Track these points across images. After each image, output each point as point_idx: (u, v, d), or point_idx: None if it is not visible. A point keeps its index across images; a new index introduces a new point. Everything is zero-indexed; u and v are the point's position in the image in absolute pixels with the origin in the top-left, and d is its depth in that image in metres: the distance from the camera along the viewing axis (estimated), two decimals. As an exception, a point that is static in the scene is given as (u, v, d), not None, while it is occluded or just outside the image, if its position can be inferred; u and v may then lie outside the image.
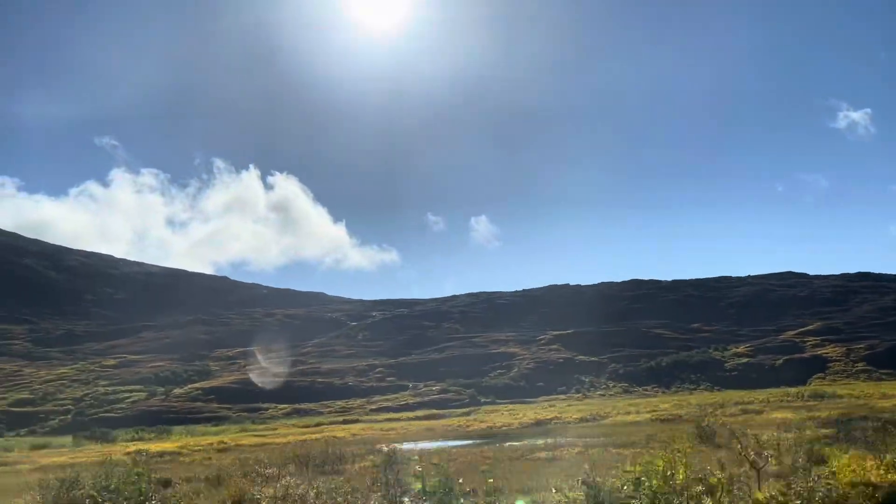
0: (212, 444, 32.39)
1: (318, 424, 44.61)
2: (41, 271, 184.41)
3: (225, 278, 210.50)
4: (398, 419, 46.23)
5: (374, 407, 60.64)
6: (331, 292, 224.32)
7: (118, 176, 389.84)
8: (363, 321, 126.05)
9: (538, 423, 36.76)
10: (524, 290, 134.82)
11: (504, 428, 35.16)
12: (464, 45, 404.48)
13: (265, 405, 62.49)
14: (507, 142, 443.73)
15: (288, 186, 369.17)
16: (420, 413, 50.80)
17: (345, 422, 45.49)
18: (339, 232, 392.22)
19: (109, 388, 66.93)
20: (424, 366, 73.39)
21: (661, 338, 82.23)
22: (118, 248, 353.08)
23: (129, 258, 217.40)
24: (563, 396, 63.22)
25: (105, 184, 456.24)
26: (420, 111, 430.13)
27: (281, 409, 61.00)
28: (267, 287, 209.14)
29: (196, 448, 30.63)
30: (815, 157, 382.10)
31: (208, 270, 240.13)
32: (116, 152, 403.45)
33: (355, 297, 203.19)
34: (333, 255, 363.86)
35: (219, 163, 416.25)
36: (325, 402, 63.13)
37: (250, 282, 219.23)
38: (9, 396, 66.69)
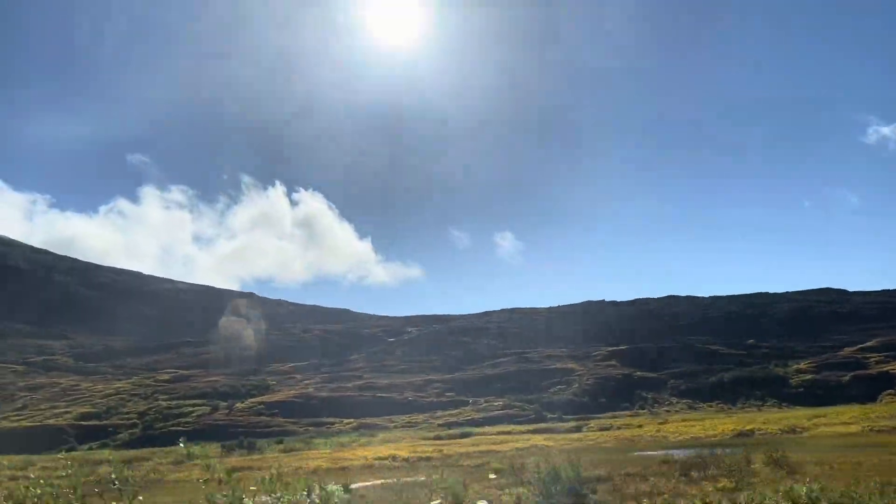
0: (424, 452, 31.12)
1: (436, 438, 44.06)
2: (73, 287, 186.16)
3: (252, 294, 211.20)
4: (509, 432, 45.28)
5: (440, 422, 60.25)
6: (355, 308, 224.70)
7: (147, 192, 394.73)
8: (400, 337, 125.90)
9: (740, 434, 35.13)
10: (560, 307, 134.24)
11: (710, 438, 33.55)
12: (486, 58, 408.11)
13: (329, 419, 62.22)
14: (532, 157, 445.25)
15: (313, 203, 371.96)
16: (528, 427, 50.22)
17: (462, 436, 44.81)
18: (364, 248, 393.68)
19: (172, 403, 66.98)
20: (480, 381, 72.96)
21: (716, 354, 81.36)
22: (146, 264, 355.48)
23: (156, 274, 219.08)
24: (627, 413, 62.55)
25: (134, 200, 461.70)
26: (444, 127, 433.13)
27: (347, 424, 60.69)
28: (293, 303, 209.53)
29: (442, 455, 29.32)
30: (844, 173, 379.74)
31: (234, 286, 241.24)
32: (147, 169, 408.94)
33: (380, 313, 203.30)
34: (357, 271, 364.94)
35: (246, 179, 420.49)
36: (389, 417, 62.77)
37: (275, 298, 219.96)
38: (73, 410, 66.93)
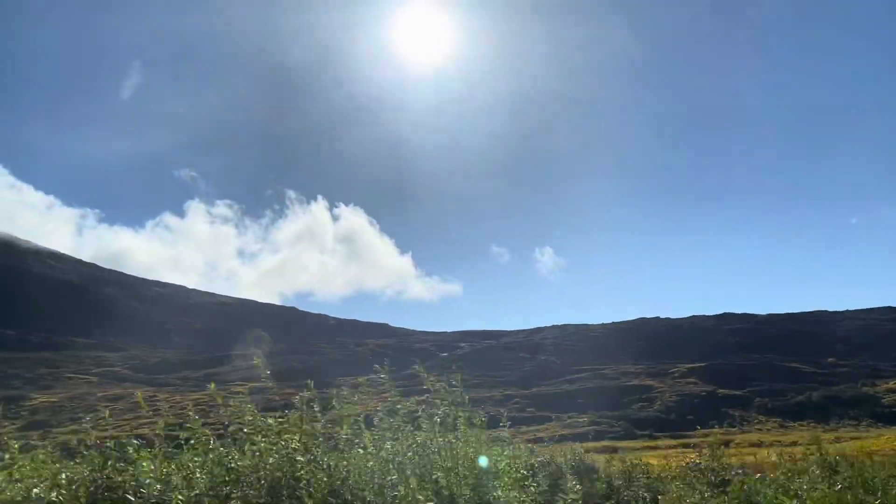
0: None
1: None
2: (122, 301, 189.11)
3: (293, 308, 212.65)
4: (615, 448, 44.80)
5: (528, 437, 59.54)
6: (393, 323, 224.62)
7: (193, 207, 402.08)
8: (452, 352, 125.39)
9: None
10: (614, 323, 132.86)
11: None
12: (521, 72, 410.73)
13: (416, 433, 61.95)
14: (572, 172, 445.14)
15: (354, 218, 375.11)
16: (637, 443, 49.48)
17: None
18: (404, 263, 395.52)
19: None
20: (559, 397, 72.11)
21: (798, 372, 79.54)
22: (189, 278, 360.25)
23: (199, 288, 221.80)
24: (719, 430, 61.22)
25: (181, 215, 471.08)
26: (483, 140, 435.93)
27: (434, 438, 60.36)
28: (334, 318, 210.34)
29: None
30: (892, 190, 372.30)
31: (275, 301, 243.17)
32: (195, 184, 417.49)
33: (417, 327, 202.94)
34: (395, 286, 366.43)
35: (290, 194, 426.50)
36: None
37: (316, 312, 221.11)
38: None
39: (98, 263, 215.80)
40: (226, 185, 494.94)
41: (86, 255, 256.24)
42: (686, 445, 47.51)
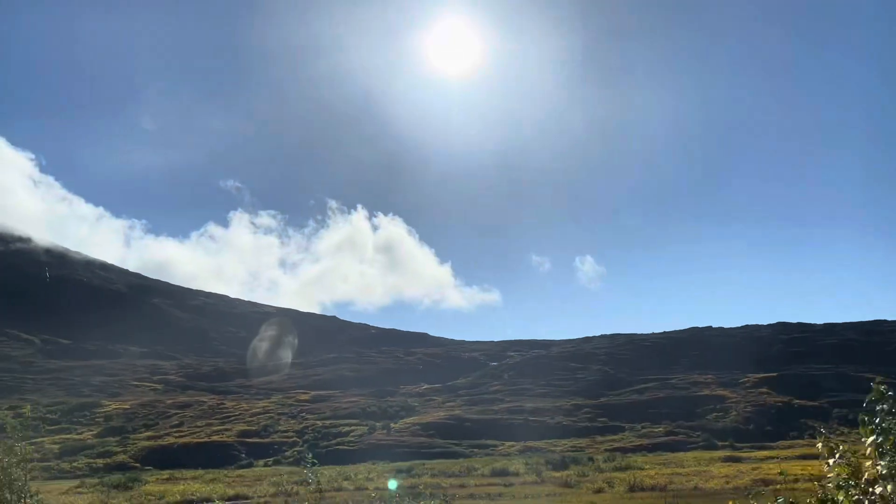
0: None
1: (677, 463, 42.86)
2: (168, 310, 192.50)
3: (335, 318, 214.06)
4: (774, 457, 43.47)
5: (607, 447, 58.87)
6: (432, 332, 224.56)
7: (237, 217, 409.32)
8: (502, 361, 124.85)
9: None
10: (665, 333, 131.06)
11: None
12: (556, 81, 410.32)
13: (492, 442, 61.56)
14: (612, 180, 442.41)
15: (393, 227, 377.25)
16: (722, 454, 48.63)
17: (726, 460, 43.49)
18: (444, 273, 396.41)
19: (326, 422, 67.64)
20: (629, 407, 71.24)
21: (872, 382, 77.29)
22: (232, 287, 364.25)
23: (241, 298, 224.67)
24: (802, 442, 59.80)
25: (225, 225, 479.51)
26: (522, 149, 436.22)
27: (510, 446, 59.94)
28: (376, 327, 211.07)
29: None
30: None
31: (315, 310, 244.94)
32: (240, 195, 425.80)
33: (457, 337, 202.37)
34: (432, 295, 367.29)
35: (332, 203, 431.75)
36: (551, 441, 61.77)
37: (356, 321, 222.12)
38: (231, 428, 68.29)
39: (143, 273, 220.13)
40: (270, 196, 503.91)
41: (132, 265, 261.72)
42: (773, 458, 46.47)
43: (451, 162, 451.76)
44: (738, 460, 43.84)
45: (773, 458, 42.96)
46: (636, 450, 57.88)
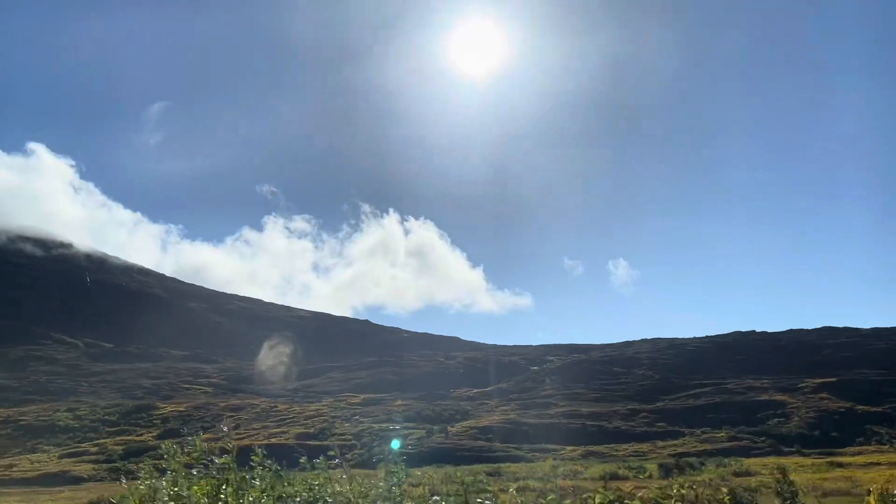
0: None
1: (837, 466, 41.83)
2: (205, 314, 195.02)
3: (367, 322, 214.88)
4: (874, 463, 42.46)
5: (670, 451, 58.12)
6: (464, 336, 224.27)
7: (271, 222, 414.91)
8: (543, 366, 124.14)
9: None
10: (709, 337, 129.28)
11: None
12: (585, 82, 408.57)
13: (552, 446, 61.15)
14: (645, 183, 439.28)
15: (424, 231, 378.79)
16: (815, 461, 47.77)
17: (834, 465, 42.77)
18: (476, 277, 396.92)
19: (383, 425, 67.84)
20: (687, 412, 70.34)
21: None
22: (265, 291, 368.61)
23: (275, 302, 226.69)
24: (872, 447, 58.47)
25: (260, 229, 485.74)
26: (554, 152, 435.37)
27: (572, 451, 59.49)
28: (408, 331, 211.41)
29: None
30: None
31: (347, 314, 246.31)
32: (276, 199, 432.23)
33: (487, 341, 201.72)
34: (463, 299, 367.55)
35: (365, 208, 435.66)
36: (612, 445, 61.19)
37: (388, 325, 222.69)
38: (288, 430, 68.81)
39: (179, 278, 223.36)
40: (304, 200, 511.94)
41: (167, 269, 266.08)
42: (874, 464, 45.38)
43: (483, 165, 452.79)
44: (840, 465, 42.86)
45: (873, 463, 41.94)
46: (700, 455, 57.04)
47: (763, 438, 61.55)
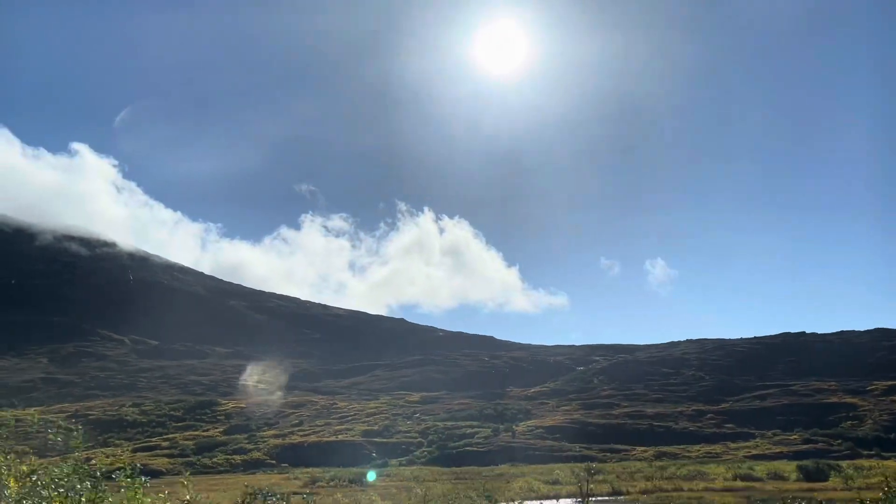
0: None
1: None
2: (245, 312, 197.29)
3: (402, 320, 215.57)
4: None
5: (744, 454, 57.41)
6: (498, 336, 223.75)
7: (308, 220, 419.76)
8: (588, 366, 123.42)
9: None
10: (757, 338, 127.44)
11: None
12: (621, 78, 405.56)
13: (621, 446, 60.79)
14: (682, 180, 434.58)
15: (458, 230, 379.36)
16: None
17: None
18: (511, 276, 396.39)
19: (448, 423, 68.02)
20: (754, 413, 69.42)
21: None
22: (301, 290, 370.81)
23: (312, 300, 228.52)
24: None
25: (297, 228, 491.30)
26: (590, 150, 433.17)
27: (644, 451, 59.08)
28: (443, 329, 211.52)
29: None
30: None
31: (382, 312, 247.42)
32: (315, 198, 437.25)
33: (522, 341, 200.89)
34: (497, 298, 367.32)
35: (402, 206, 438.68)
36: (682, 446, 60.62)
37: (424, 324, 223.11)
38: (353, 427, 69.31)
39: (218, 276, 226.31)
40: (342, 199, 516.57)
41: (206, 267, 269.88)
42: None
43: (517, 165, 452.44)
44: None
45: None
46: (777, 457, 56.22)
47: (839, 441, 60.47)
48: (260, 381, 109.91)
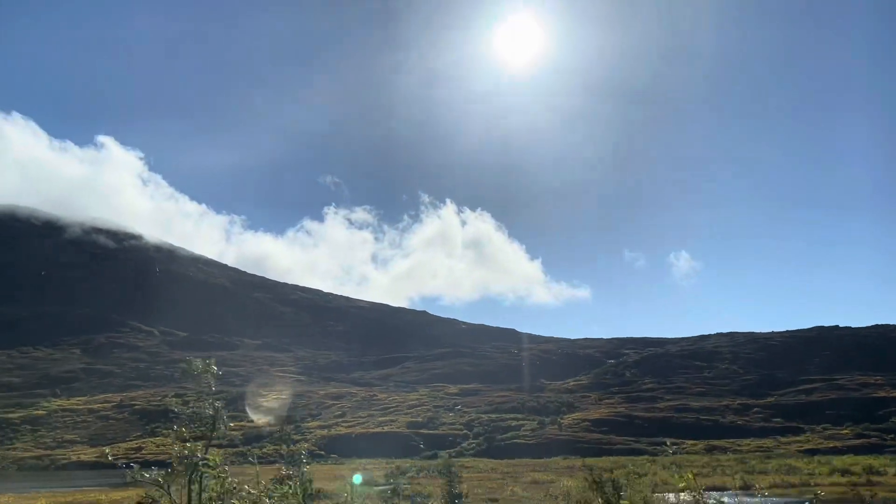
0: None
1: None
2: (269, 304, 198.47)
3: (425, 313, 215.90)
4: None
5: (797, 448, 56.99)
6: (519, 328, 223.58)
7: (332, 213, 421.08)
8: (619, 359, 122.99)
9: None
10: (790, 332, 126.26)
11: None
12: (641, 73, 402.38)
13: (671, 439, 60.61)
14: (709, 173, 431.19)
15: (480, 223, 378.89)
16: None
17: None
18: (533, 269, 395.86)
19: (492, 416, 68.13)
20: (801, 407, 68.84)
21: None
22: (324, 283, 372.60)
23: (334, 292, 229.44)
24: None
25: (321, 220, 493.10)
26: (614, 143, 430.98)
27: (693, 445, 58.84)
28: (466, 322, 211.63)
29: None
30: None
31: (403, 304, 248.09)
32: (339, 190, 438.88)
33: (544, 333, 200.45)
34: (519, 291, 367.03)
35: (424, 198, 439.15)
36: (731, 440, 60.32)
37: (444, 316, 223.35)
38: (398, 419, 69.60)
39: (241, 268, 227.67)
40: (366, 191, 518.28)
41: (230, 259, 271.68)
42: None
43: (540, 158, 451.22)
44: None
45: None
46: (830, 452, 55.71)
47: (892, 436, 59.87)
48: (295, 372, 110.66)
